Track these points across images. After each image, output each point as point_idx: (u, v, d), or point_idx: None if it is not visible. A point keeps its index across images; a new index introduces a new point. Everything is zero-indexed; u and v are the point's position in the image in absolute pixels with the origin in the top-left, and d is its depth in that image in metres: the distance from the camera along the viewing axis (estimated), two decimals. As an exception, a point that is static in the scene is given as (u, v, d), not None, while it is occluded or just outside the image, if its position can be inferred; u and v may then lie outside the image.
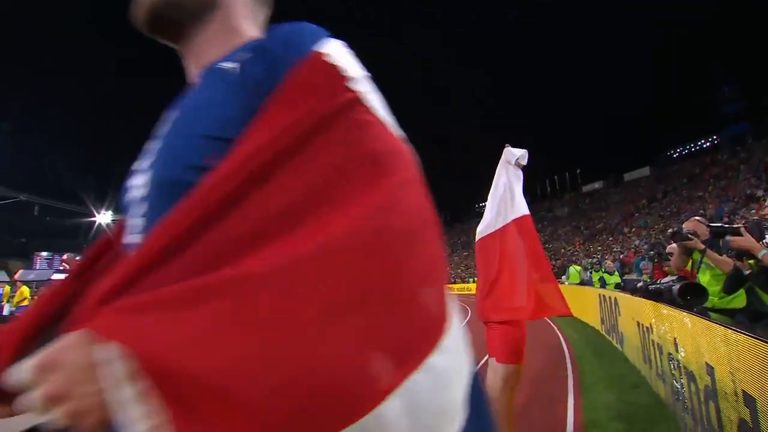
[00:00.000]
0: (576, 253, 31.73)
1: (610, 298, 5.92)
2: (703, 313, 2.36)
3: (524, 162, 2.44)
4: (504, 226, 2.34)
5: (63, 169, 64.46)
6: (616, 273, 8.28)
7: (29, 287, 11.71)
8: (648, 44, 54.85)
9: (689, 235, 2.93)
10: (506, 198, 2.37)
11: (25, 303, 10.91)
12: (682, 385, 2.58)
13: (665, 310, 2.89)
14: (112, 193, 19.65)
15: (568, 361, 5.17)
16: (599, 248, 29.68)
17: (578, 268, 10.65)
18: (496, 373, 2.27)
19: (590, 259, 23.83)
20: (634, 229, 29.98)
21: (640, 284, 3.54)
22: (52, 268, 54.75)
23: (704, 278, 3.01)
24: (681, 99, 54.44)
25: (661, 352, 3.14)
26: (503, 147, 2.55)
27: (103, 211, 49.03)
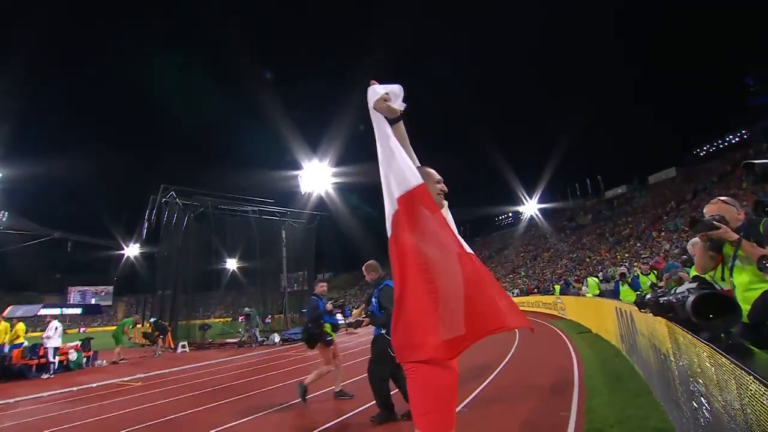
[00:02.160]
0: (602, 261, 29.89)
1: (626, 312, 4.95)
2: (736, 346, 1.52)
3: (398, 105, 1.56)
4: (394, 214, 1.50)
5: (93, 206, 67.12)
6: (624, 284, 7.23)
7: (24, 324, 11.43)
8: (665, 34, 52.55)
9: (714, 222, 2.08)
10: (385, 170, 1.52)
11: (20, 340, 10.51)
12: (712, 449, 1.71)
13: (681, 335, 2.03)
14: (139, 227, 20.20)
15: (575, 392, 4.20)
16: (626, 255, 27.82)
17: (596, 279, 10.02)
18: None
19: (617, 268, 22.24)
20: (663, 233, 28.01)
21: (648, 295, 2.66)
22: (85, 302, 56.63)
23: (740, 279, 2.10)
24: (703, 94, 51.53)
25: (684, 392, 2.26)
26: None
27: (131, 244, 50.66)
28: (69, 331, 33.86)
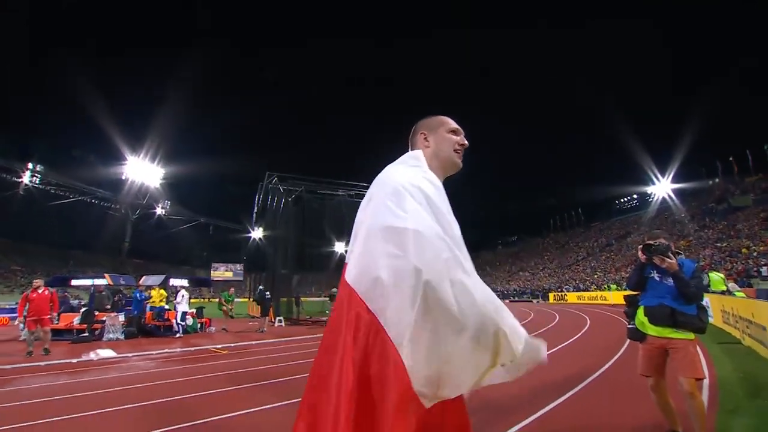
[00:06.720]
0: (768, 253, 23.38)
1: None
2: None
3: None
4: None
5: (230, 196, 79.41)
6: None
7: (166, 290, 13.65)
8: None
9: None
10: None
11: (162, 304, 12.67)
12: None
13: None
14: (259, 214, 23.62)
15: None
16: (808, 246, 21.23)
17: (721, 275, 8.48)
18: None
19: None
20: None
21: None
22: (224, 275, 68.66)
23: None
24: None
25: None
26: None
27: (256, 228, 59.20)
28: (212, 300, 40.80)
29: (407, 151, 1.30)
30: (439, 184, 1.14)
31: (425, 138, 1.29)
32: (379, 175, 1.17)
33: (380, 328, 0.91)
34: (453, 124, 1.31)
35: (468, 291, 0.92)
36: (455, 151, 1.28)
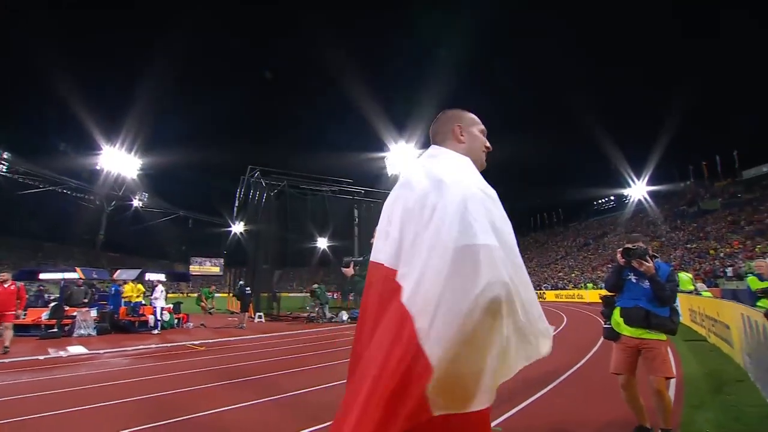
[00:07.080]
0: (734, 254, 24.49)
1: (758, 325, 3.48)
2: None
3: None
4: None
5: (207, 190, 77.50)
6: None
7: (143, 285, 13.22)
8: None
9: None
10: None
11: (139, 299, 12.25)
12: None
13: None
14: (240, 208, 23.19)
15: None
16: (770, 248, 22.31)
17: (689, 275, 8.81)
18: None
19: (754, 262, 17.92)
20: (830, 222, 21.73)
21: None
22: (203, 271, 67.17)
23: None
24: None
25: None
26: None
27: (237, 222, 58.07)
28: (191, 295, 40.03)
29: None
30: (494, 194, 1.03)
31: (461, 132, 1.19)
32: (433, 174, 1.02)
33: (421, 345, 0.84)
34: (482, 125, 1.25)
35: (530, 310, 0.97)
36: (483, 152, 1.22)
